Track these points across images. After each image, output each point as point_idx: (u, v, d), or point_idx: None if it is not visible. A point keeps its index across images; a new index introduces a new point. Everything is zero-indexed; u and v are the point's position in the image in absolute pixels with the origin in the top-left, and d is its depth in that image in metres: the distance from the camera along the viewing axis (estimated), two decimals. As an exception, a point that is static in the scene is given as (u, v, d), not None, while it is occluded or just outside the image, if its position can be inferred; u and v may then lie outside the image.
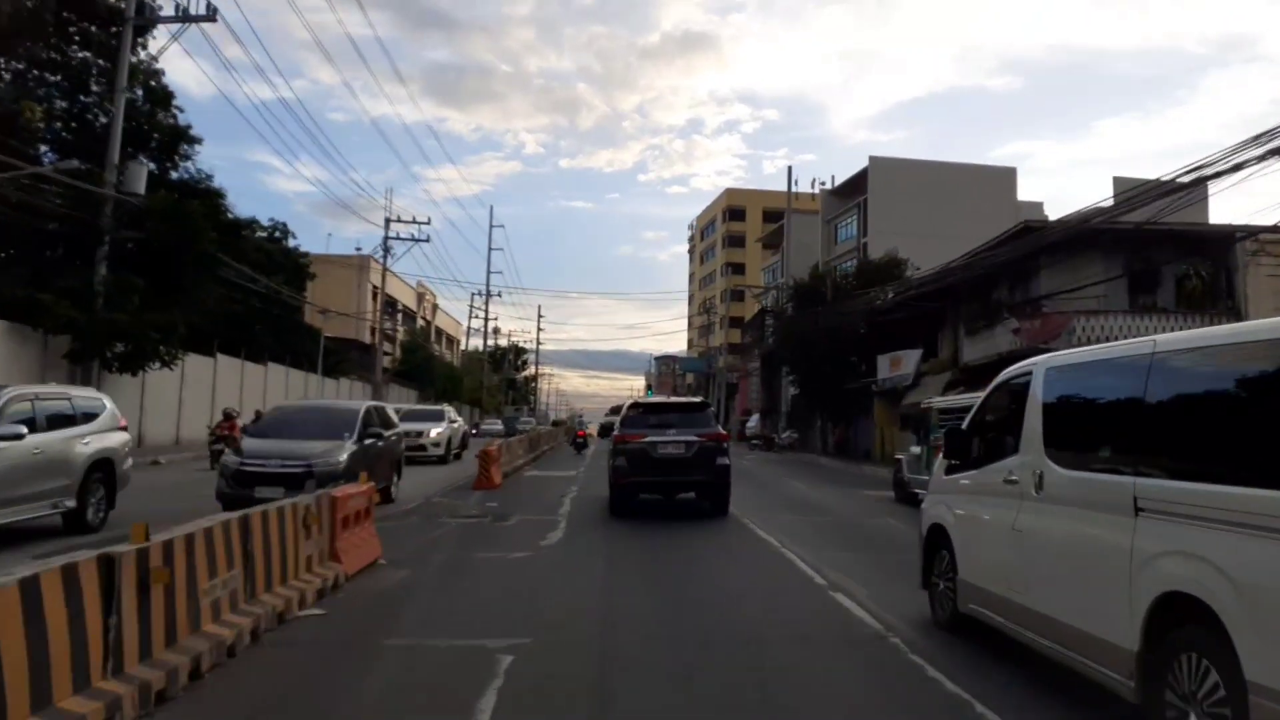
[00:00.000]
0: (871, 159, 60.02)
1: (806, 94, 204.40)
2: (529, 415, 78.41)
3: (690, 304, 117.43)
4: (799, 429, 42.53)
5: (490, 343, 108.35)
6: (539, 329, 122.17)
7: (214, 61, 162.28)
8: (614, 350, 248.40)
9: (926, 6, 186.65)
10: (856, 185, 62.12)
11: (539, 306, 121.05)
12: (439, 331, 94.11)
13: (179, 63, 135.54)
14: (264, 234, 44.19)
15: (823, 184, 70.53)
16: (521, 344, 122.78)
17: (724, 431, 15.90)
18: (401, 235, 52.66)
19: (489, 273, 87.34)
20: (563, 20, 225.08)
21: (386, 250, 52.02)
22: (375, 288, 70.71)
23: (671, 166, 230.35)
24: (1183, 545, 4.24)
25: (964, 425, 7.10)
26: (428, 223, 51.08)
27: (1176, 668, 4.21)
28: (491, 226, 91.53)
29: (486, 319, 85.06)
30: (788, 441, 41.76)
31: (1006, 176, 60.94)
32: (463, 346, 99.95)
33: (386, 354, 65.98)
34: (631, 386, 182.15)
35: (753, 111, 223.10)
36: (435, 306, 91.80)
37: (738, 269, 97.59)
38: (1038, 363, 6.15)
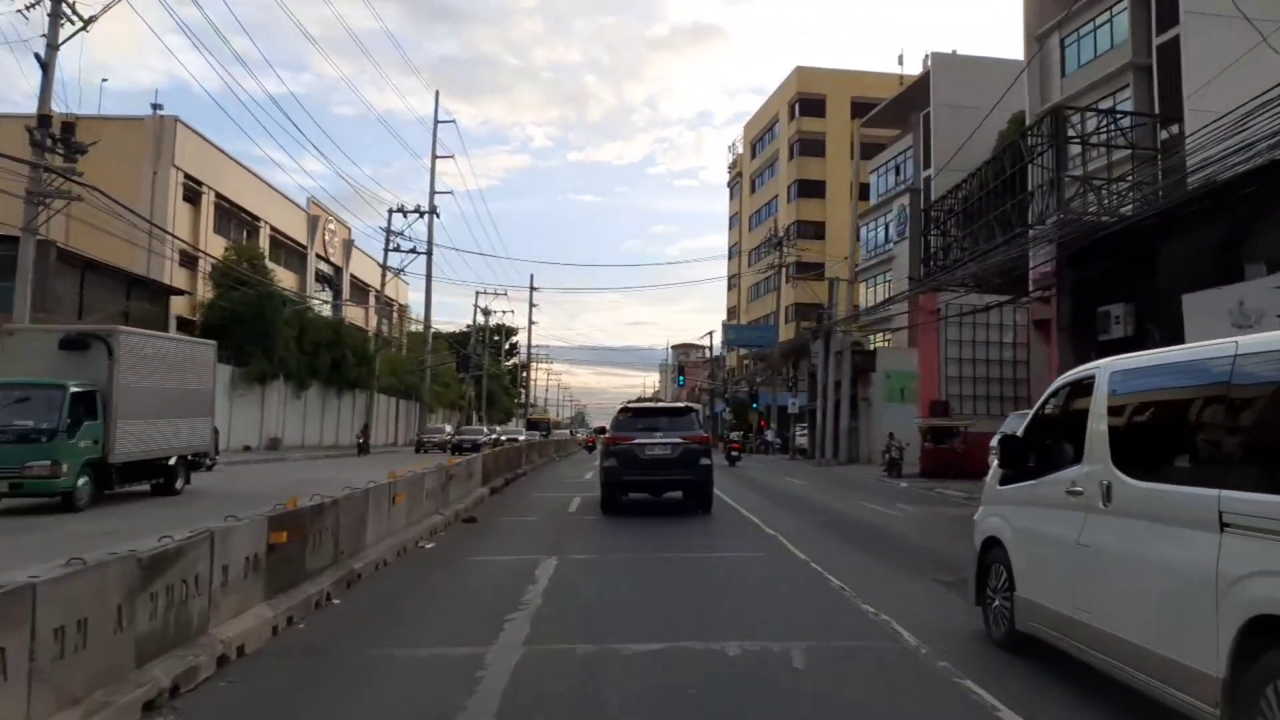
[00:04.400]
0: None
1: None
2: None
3: (731, 259, 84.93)
4: None
5: (476, 322, 77.28)
6: (531, 303, 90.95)
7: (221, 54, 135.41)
8: (624, 346, 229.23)
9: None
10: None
11: (531, 276, 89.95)
12: (360, 288, 61.73)
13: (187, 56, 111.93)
14: None
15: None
16: (523, 332, 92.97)
17: (707, 435, 16.69)
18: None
19: (433, 192, 55.56)
20: (570, 11, 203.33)
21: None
22: (188, 180, 38.82)
23: (681, 159, 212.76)
24: (1275, 564, 3.84)
25: (1019, 433, 6.61)
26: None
27: (1269, 696, 3.81)
28: (437, 122, 59.43)
29: (430, 254, 52.68)
30: None
31: None
32: (407, 315, 68.26)
33: (177, 292, 33.60)
34: (644, 382, 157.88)
35: (763, 102, 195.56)
36: (350, 245, 59.51)
37: (812, 189, 64.85)
38: (1100, 366, 5.67)
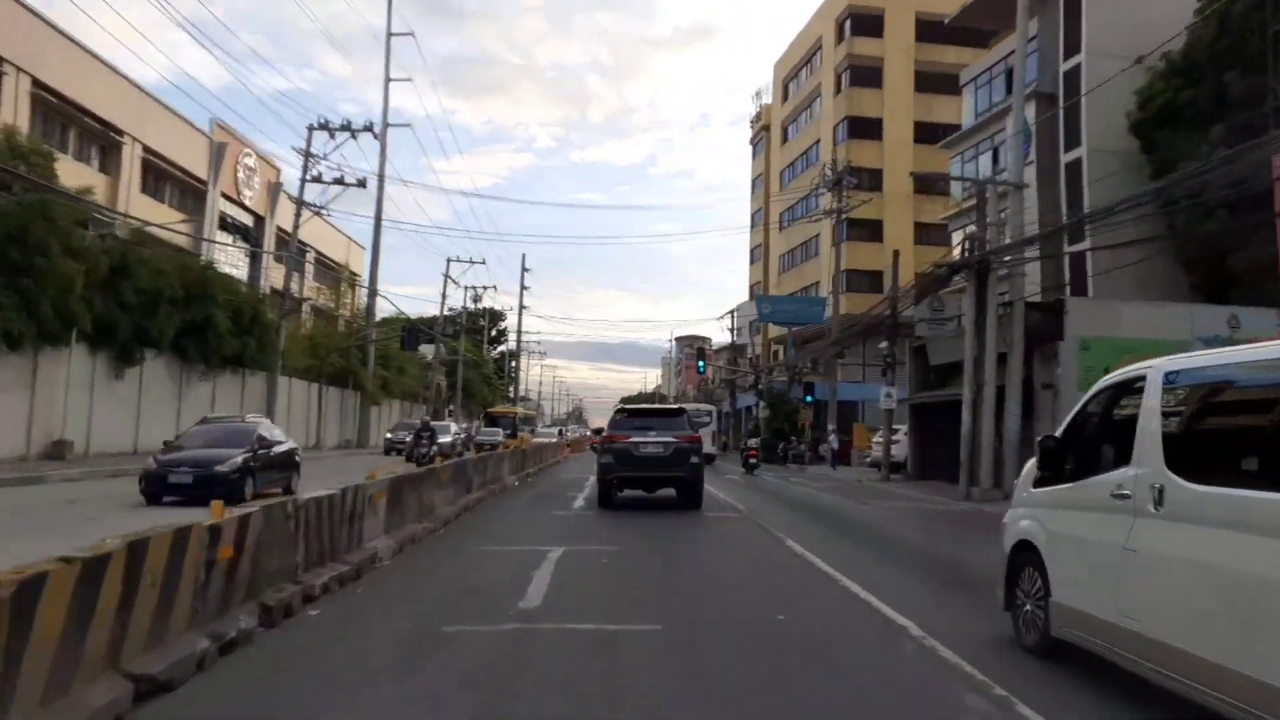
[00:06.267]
0: None
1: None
2: None
3: (753, 227, 71.95)
4: None
5: (466, 306, 64.84)
6: (522, 286, 77.73)
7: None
8: (623, 342, 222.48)
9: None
10: None
11: (523, 256, 76.64)
12: (290, 244, 48.53)
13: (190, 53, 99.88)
14: None
15: None
16: (512, 315, 79.91)
17: (697, 434, 17.41)
18: None
19: (385, 121, 43.08)
20: (572, 9, 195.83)
21: None
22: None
23: (682, 159, 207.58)
24: None
25: (1058, 434, 6.42)
26: None
27: None
28: (390, 35, 46.62)
29: (381, 190, 39.49)
30: None
31: None
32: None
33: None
34: (644, 377, 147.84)
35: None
36: (278, 188, 46.41)
37: (866, 129, 51.74)
38: (1153, 366, 5.43)
